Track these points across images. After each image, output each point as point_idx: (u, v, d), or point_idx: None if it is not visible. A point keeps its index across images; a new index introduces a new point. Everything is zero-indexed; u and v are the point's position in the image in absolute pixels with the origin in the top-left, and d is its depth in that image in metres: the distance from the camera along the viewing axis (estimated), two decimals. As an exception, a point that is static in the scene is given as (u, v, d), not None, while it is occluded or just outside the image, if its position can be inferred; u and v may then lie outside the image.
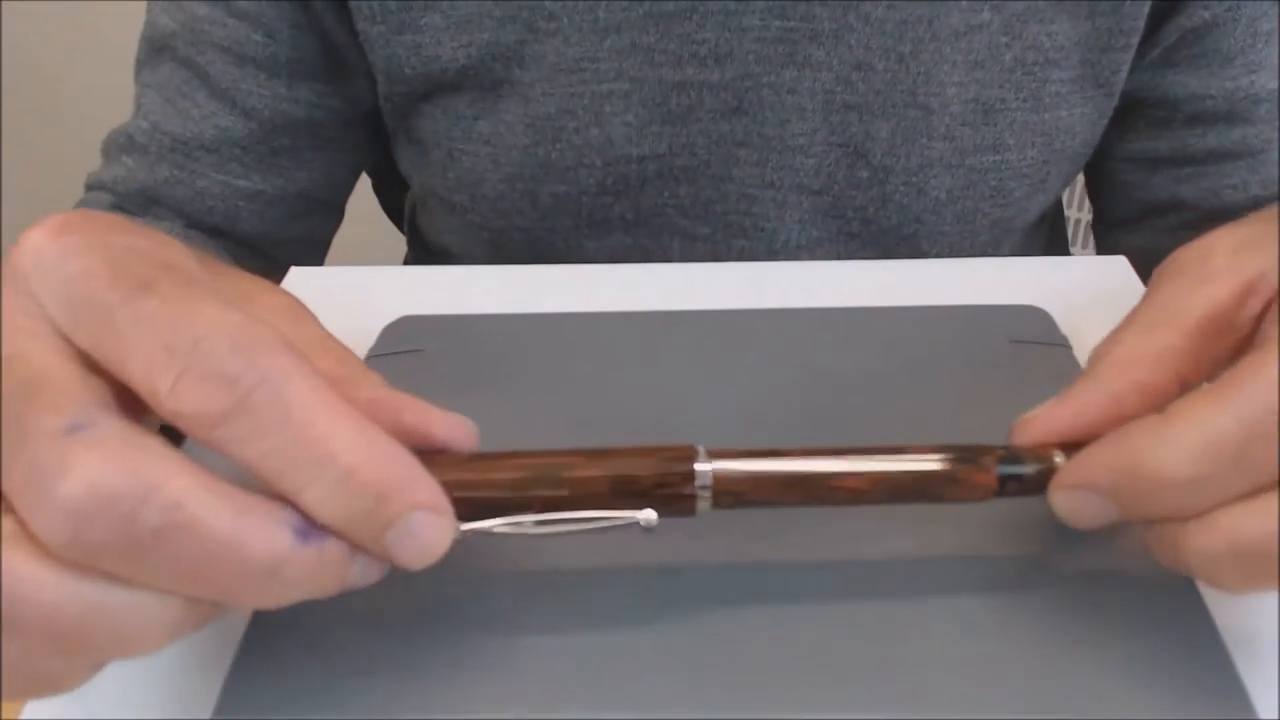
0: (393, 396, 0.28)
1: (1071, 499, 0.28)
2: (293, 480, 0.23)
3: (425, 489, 0.24)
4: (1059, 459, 0.29)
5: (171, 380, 0.23)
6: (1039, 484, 0.29)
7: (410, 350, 0.41)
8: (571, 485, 0.27)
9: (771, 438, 0.29)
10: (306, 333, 0.29)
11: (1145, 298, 0.31)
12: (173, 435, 0.25)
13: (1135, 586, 0.30)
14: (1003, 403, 0.31)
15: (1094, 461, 0.27)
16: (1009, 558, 0.31)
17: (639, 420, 0.37)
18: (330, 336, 0.30)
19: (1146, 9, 0.52)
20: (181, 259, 0.25)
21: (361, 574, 0.25)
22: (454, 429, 0.28)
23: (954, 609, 0.30)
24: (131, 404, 0.24)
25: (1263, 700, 0.27)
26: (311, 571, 0.24)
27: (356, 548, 0.25)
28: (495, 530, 0.27)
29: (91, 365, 0.24)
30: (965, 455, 0.29)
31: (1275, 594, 0.30)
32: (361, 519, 0.24)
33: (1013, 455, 0.29)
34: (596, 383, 0.39)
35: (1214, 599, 0.30)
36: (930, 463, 0.28)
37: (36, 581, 0.22)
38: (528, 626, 0.30)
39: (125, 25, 0.58)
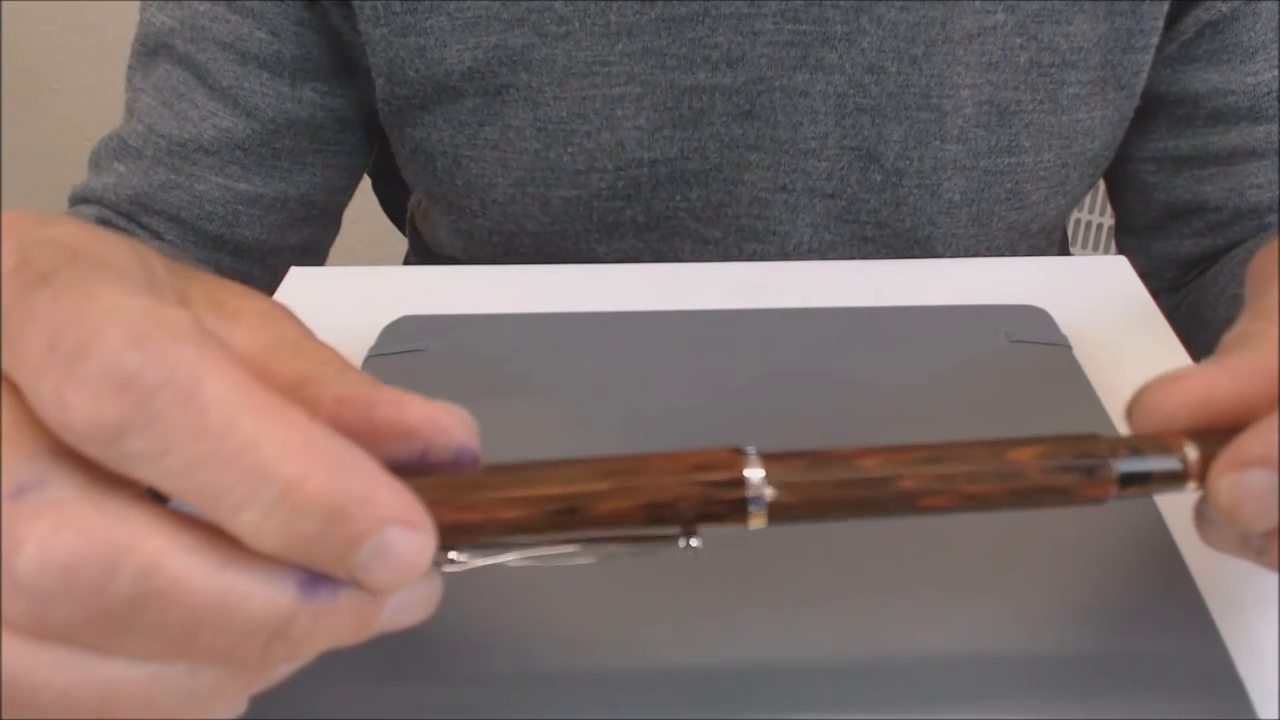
0: (365, 391, 0.23)
1: (1242, 483, 0.24)
2: (221, 504, 0.20)
3: (392, 497, 0.21)
4: (1191, 453, 0.25)
5: (54, 385, 0.19)
6: (1168, 481, 0.25)
7: (410, 350, 0.43)
8: (596, 523, 0.24)
9: (772, 438, 0.30)
10: (280, 334, 0.25)
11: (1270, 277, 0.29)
12: None
13: (1135, 587, 0.32)
14: (1003, 402, 0.32)
15: (1267, 437, 0.24)
16: (1008, 561, 0.33)
17: (639, 420, 0.39)
18: (309, 336, 0.26)
19: (1165, 8, 0.53)
20: (102, 246, 0.22)
21: (398, 615, 0.23)
22: (437, 419, 0.23)
23: (953, 610, 0.31)
24: None
25: (1263, 700, 0.28)
26: (327, 626, 0.21)
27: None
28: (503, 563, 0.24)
29: None
30: (1075, 457, 0.25)
31: (1275, 594, 0.32)
32: (316, 545, 0.20)
33: (1135, 448, 0.25)
34: (598, 383, 0.41)
35: (1214, 599, 0.31)
36: (1031, 474, 0.25)
37: (42, 666, 0.20)
38: (524, 630, 0.31)
39: (125, 25, 0.60)
